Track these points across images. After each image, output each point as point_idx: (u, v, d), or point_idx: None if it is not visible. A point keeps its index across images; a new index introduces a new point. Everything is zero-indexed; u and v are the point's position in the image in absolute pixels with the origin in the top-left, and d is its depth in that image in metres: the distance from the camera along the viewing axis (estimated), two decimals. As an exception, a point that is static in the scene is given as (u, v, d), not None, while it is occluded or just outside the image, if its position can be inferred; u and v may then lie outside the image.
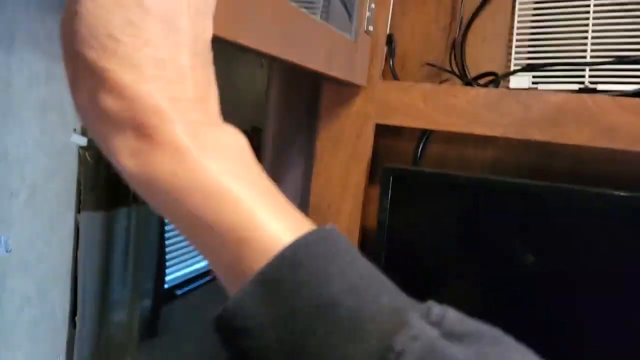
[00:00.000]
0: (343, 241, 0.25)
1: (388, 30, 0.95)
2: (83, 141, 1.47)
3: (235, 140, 0.26)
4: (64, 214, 1.55)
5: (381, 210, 0.75)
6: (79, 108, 0.24)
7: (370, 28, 0.73)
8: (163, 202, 0.24)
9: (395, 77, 0.93)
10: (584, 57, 0.84)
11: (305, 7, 0.62)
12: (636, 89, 0.74)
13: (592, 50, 0.84)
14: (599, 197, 0.65)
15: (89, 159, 1.50)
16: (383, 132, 0.90)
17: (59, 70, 1.58)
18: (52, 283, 1.60)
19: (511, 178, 0.70)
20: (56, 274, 1.69)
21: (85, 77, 0.23)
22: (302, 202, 0.86)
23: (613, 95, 0.73)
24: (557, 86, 0.85)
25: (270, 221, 0.24)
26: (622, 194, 0.63)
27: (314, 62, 0.55)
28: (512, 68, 0.89)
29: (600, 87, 0.83)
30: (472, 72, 0.91)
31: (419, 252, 0.75)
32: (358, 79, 0.71)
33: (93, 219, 1.53)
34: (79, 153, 1.51)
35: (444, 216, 0.73)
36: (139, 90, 0.22)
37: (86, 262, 1.55)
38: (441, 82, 0.88)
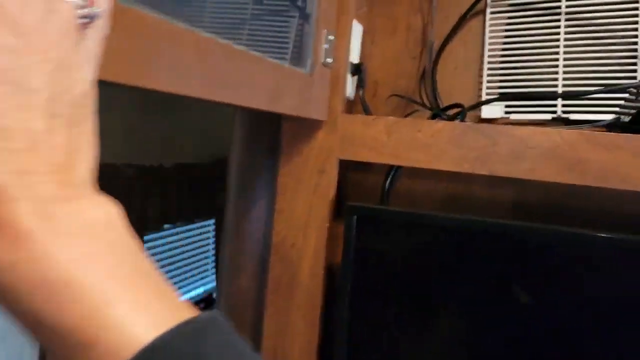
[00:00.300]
0: (217, 332, 0.21)
1: (357, 60, 0.93)
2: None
3: (100, 216, 0.22)
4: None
5: (345, 250, 0.71)
6: None
7: (329, 60, 0.70)
8: (1, 297, 0.20)
9: (365, 108, 0.90)
10: (556, 85, 0.82)
11: (278, 45, 0.59)
12: (609, 120, 0.71)
13: (564, 79, 0.81)
14: (572, 237, 0.61)
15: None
16: (351, 166, 0.86)
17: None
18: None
19: (476, 216, 0.66)
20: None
21: None
22: (266, 241, 0.82)
23: (583, 128, 0.70)
24: (530, 116, 0.82)
25: (127, 317, 0.20)
26: (603, 235, 0.60)
27: (255, 101, 0.52)
28: (484, 97, 0.86)
29: (573, 116, 0.80)
30: (444, 101, 0.89)
31: (385, 294, 0.71)
32: (316, 113, 0.68)
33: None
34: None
35: (410, 256, 0.69)
36: None
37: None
38: (410, 113, 0.85)
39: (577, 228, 0.60)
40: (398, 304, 0.71)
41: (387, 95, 0.94)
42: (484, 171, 0.65)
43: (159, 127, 1.80)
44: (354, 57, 0.91)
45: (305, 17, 0.64)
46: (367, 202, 0.81)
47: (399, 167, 0.79)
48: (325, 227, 0.74)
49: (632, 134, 0.60)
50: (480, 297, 0.65)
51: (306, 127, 0.74)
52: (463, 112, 0.71)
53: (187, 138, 1.90)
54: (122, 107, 1.67)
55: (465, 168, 0.66)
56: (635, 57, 0.78)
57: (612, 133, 0.61)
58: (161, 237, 1.84)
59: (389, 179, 0.77)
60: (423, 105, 0.80)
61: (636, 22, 0.78)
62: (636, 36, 0.78)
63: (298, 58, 0.65)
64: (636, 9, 0.78)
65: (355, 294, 0.71)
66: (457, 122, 0.67)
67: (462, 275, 0.66)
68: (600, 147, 0.61)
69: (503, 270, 0.63)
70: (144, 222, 1.67)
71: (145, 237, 1.74)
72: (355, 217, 0.70)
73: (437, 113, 0.75)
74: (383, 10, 0.95)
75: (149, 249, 1.78)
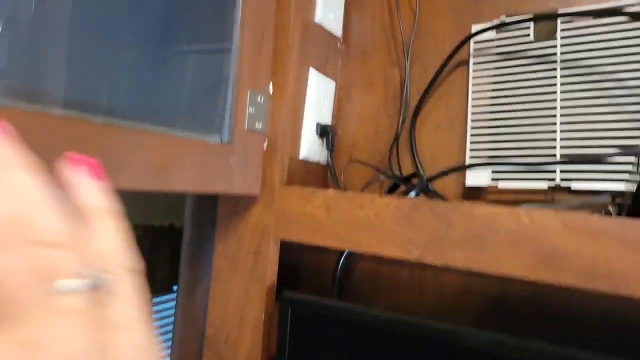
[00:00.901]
0: None
1: (330, 119, 0.83)
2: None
3: None
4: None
5: (280, 348, 0.59)
6: None
7: (259, 126, 0.60)
8: None
9: (333, 174, 0.79)
10: (554, 147, 0.67)
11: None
12: (604, 197, 0.56)
13: (562, 139, 0.66)
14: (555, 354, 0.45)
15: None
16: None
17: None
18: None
19: (444, 309, 0.52)
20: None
21: None
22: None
23: (573, 205, 0.55)
24: (522, 184, 0.68)
25: None
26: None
27: (125, 181, 0.43)
28: (468, 161, 0.72)
29: (575, 185, 0.64)
30: (426, 166, 0.76)
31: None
32: (241, 187, 0.58)
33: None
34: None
35: (353, 356, 0.56)
36: None
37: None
38: (372, 180, 0.73)
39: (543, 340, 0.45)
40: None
41: (365, 157, 0.83)
42: (436, 260, 0.52)
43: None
44: (324, 117, 0.81)
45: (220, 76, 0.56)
46: (324, 287, 0.69)
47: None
48: (261, 320, 0.62)
49: (624, 218, 0.45)
50: None
51: (241, 201, 0.64)
52: (421, 183, 0.58)
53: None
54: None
55: (414, 255, 0.53)
56: (653, 110, 0.63)
57: (598, 216, 0.46)
58: (171, 300, 1.77)
59: (341, 262, 0.64)
60: (388, 174, 0.68)
61: (653, 68, 0.63)
62: (653, 85, 0.63)
63: (211, 124, 0.56)
64: (652, 51, 0.63)
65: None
66: (407, 197, 0.55)
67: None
68: (583, 234, 0.46)
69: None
70: (152, 283, 1.61)
71: (154, 299, 1.67)
72: (290, 309, 0.58)
73: (397, 183, 0.63)
74: (358, 63, 0.85)
75: (158, 311, 1.71)
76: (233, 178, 0.56)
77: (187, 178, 0.50)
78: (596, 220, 0.46)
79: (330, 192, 0.58)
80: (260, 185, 0.62)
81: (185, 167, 0.49)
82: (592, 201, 0.56)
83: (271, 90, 0.62)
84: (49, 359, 0.19)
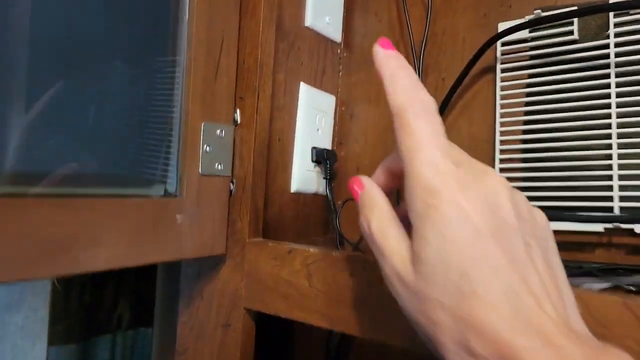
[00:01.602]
0: None
1: (330, 142, 0.70)
2: (53, 265, 1.32)
3: None
4: (32, 348, 1.38)
5: None
6: (445, 350, 0.23)
7: (220, 167, 0.47)
8: None
9: (333, 211, 0.65)
10: (609, 176, 0.51)
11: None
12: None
13: (620, 167, 0.51)
14: None
15: (57, 285, 1.33)
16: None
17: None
18: None
19: None
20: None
21: (448, 326, 0.23)
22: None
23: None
24: (569, 225, 0.52)
25: None
26: None
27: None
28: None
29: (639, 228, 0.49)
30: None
31: None
32: (192, 250, 0.45)
33: (62, 354, 1.34)
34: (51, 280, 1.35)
35: None
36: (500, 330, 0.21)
37: (53, 406, 1.34)
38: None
39: None
40: None
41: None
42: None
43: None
44: (322, 140, 0.68)
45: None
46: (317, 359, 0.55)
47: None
48: (233, 410, 0.49)
49: None
50: None
51: (208, 261, 0.51)
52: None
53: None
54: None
55: (420, 341, 0.39)
56: None
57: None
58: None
59: (333, 336, 0.50)
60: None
61: None
62: None
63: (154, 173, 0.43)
64: None
65: None
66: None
67: None
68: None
69: None
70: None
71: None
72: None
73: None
74: (362, 73, 0.71)
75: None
76: (183, 239, 0.43)
77: (109, 252, 0.37)
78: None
79: (312, 251, 0.44)
80: (225, 241, 0.49)
81: (106, 236, 0.37)
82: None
83: (239, 119, 0.49)
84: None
